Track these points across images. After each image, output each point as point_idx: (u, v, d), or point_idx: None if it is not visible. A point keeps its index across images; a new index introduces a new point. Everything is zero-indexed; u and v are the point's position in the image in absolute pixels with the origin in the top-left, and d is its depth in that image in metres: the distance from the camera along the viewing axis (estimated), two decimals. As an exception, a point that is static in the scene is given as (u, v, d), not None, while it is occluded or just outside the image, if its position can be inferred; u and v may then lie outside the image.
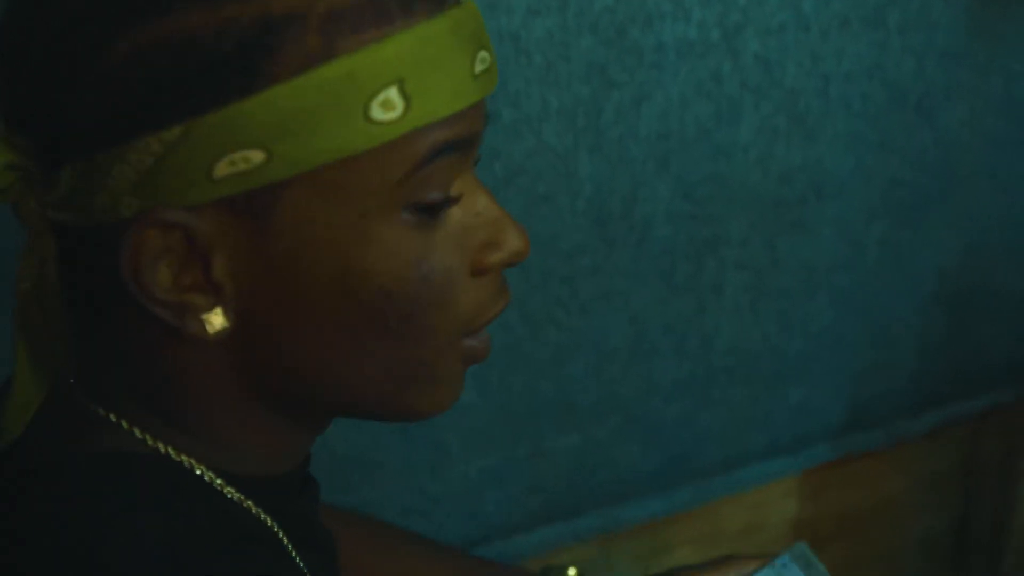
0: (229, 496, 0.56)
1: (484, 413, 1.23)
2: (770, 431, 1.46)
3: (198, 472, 0.55)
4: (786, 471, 1.49)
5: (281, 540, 0.58)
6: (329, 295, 0.50)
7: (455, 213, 0.54)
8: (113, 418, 0.54)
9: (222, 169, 0.47)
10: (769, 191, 1.30)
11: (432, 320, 0.53)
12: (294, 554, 0.59)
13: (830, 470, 1.53)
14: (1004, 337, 1.64)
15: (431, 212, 0.52)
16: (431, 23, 0.49)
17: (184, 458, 0.55)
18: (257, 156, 0.47)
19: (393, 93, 0.48)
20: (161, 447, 0.54)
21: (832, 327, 1.44)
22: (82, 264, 0.52)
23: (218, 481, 0.55)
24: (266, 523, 0.57)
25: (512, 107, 1.09)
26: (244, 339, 0.52)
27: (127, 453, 0.54)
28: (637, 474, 1.37)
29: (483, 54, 0.52)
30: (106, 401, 0.55)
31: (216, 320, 0.50)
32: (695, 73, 1.19)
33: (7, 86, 0.49)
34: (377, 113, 0.48)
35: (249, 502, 0.56)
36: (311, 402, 0.56)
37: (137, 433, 0.54)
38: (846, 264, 1.41)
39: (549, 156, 1.14)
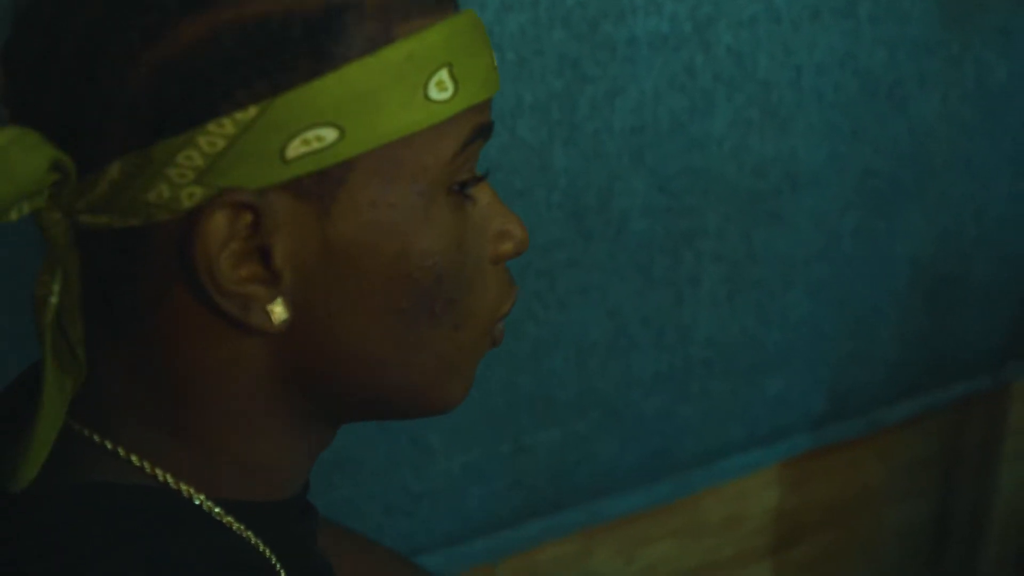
0: (227, 525, 0.54)
1: (464, 410, 1.23)
2: (749, 422, 1.46)
3: (196, 502, 0.54)
4: (766, 462, 1.50)
5: (278, 571, 0.57)
6: (386, 279, 0.51)
7: (473, 204, 0.56)
8: (109, 445, 0.53)
9: (295, 148, 0.47)
10: (744, 183, 1.30)
11: (471, 305, 0.55)
12: None
13: (810, 460, 1.54)
14: (981, 325, 1.65)
15: (465, 192, 0.54)
16: (460, 17, 0.52)
17: (183, 486, 0.53)
18: (330, 134, 0.48)
19: (445, 75, 0.50)
20: (159, 474, 0.53)
21: (809, 318, 1.45)
22: (114, 273, 0.50)
23: (216, 510, 0.54)
24: (264, 554, 0.56)
25: (486, 102, 1.09)
26: (295, 331, 0.52)
27: (119, 484, 0.52)
28: (618, 468, 1.37)
29: (492, 51, 0.56)
30: (102, 426, 0.53)
31: (278, 310, 0.50)
32: (668, 66, 1.19)
33: (37, 81, 0.48)
34: (434, 93, 0.50)
35: (249, 532, 0.55)
36: (343, 394, 0.55)
37: (134, 460, 0.53)
38: (822, 255, 1.41)
39: (524, 151, 1.14)
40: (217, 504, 0.54)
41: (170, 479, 0.53)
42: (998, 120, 1.49)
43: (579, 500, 1.36)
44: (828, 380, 1.51)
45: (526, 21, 1.09)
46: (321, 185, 0.49)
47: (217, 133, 0.46)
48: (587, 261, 1.24)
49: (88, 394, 0.54)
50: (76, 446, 0.53)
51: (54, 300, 0.49)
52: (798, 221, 1.37)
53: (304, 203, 0.49)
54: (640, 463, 1.39)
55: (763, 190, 1.32)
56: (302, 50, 0.47)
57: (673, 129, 1.22)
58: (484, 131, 0.54)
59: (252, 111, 0.46)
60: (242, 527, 0.55)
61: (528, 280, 1.21)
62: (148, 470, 0.53)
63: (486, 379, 1.22)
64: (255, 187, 0.48)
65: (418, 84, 0.49)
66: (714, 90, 1.23)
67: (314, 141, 0.47)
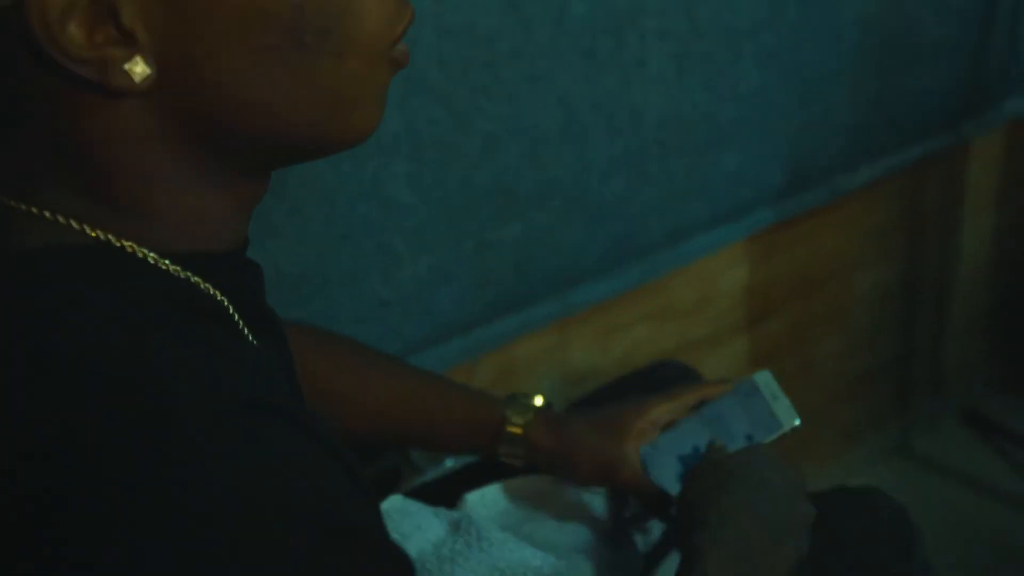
0: (175, 274, 0.56)
1: (424, 211, 1.23)
2: (711, 200, 1.47)
3: (140, 255, 0.55)
4: (730, 239, 1.51)
5: (231, 314, 0.59)
6: (240, 18, 0.50)
7: None
8: (35, 210, 0.54)
9: None
10: (682, -46, 1.28)
11: (348, 31, 0.53)
12: (244, 329, 0.60)
13: (774, 233, 1.56)
14: (935, 83, 1.65)
15: None
16: None
17: (124, 243, 0.54)
18: None
19: None
20: (99, 234, 0.54)
21: (760, 89, 1.44)
22: None
23: (164, 261, 0.55)
24: (215, 297, 0.58)
25: None
26: (167, 85, 0.52)
27: (62, 245, 0.53)
28: (584, 257, 1.39)
29: None
30: (28, 198, 0.54)
31: (138, 68, 0.50)
32: None
33: None
34: None
35: (196, 278, 0.57)
36: (244, 143, 0.56)
37: (74, 224, 0.54)
38: (768, 23, 1.40)
39: (451, -63, 1.12)
40: (162, 256, 0.55)
41: (111, 238, 0.54)
42: None
43: (549, 292, 1.38)
44: (785, 151, 1.52)
45: None
46: None
47: None
48: (530, 50, 1.22)
49: (8, 167, 0.54)
50: (10, 218, 0.54)
51: None
52: (740, -10, 1.35)
53: None
54: (606, 249, 1.40)
55: (702, -40, 1.30)
56: None
57: (603, -97, 1.20)
58: None
59: None
60: (189, 274, 0.56)
61: (473, 74, 1.19)
62: (87, 231, 0.54)
63: (441, 179, 1.23)
64: None
65: None
66: None
67: None
